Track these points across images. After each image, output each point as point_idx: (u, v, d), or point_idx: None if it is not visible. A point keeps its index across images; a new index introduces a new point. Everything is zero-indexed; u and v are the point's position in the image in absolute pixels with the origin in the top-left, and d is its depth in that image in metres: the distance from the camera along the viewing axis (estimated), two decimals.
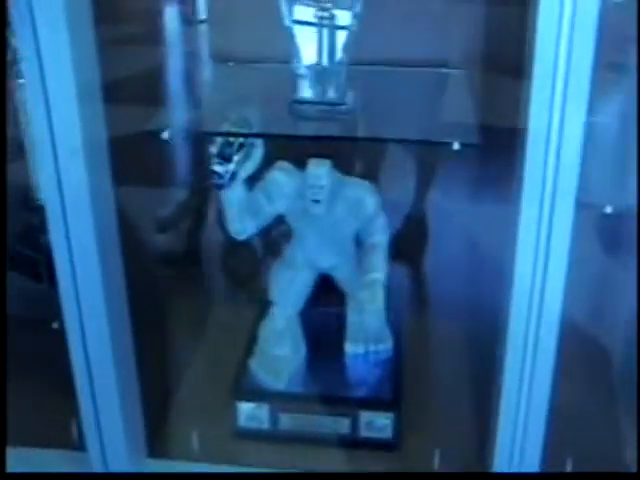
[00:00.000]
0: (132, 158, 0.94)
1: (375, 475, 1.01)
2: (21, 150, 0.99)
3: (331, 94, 0.94)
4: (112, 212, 0.89)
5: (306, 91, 0.94)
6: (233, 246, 1.33)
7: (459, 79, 1.04)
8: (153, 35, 1.15)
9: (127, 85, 0.98)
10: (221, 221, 1.30)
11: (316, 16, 0.91)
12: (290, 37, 0.92)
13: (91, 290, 0.88)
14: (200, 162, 1.23)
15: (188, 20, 1.22)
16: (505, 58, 0.97)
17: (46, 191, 0.85)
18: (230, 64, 1.12)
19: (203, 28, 1.23)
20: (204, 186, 1.29)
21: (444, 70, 1.07)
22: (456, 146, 0.85)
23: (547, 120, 0.75)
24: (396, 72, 1.08)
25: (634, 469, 0.96)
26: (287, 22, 0.92)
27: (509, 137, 0.84)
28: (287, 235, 1.12)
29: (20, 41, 0.78)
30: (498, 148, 0.90)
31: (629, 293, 1.07)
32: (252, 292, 1.31)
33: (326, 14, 0.91)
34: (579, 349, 1.01)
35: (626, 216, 1.00)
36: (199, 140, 1.10)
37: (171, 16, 1.20)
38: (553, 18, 0.71)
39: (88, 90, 0.81)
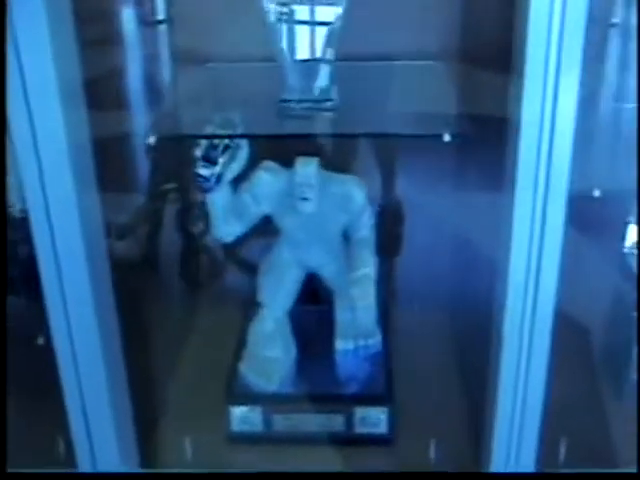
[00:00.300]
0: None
1: (373, 475, 1.01)
2: None
3: (315, 90, 0.93)
4: (99, 217, 0.87)
5: (289, 89, 0.93)
6: (194, 250, 1.31)
7: (442, 71, 1.05)
8: (111, 37, 1.13)
9: (93, 88, 0.95)
10: (181, 225, 1.29)
11: (275, 12, 0.90)
12: (274, 35, 0.91)
13: (80, 300, 0.85)
14: (161, 166, 1.22)
15: (146, 21, 1.20)
16: (490, 49, 0.98)
17: (29, 198, 0.81)
18: (210, 65, 1.11)
19: (162, 29, 1.21)
20: (163, 190, 1.27)
21: (427, 62, 1.08)
22: (447, 138, 0.85)
23: (540, 108, 0.75)
24: (380, 66, 1.08)
25: (633, 468, 0.96)
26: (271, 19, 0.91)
27: (494, 128, 0.85)
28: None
29: None
30: (483, 139, 0.91)
31: (609, 275, 1.10)
32: (234, 295, 1.30)
33: (285, 9, 0.90)
34: (563, 333, 1.02)
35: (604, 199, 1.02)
36: (163, 144, 1.08)
37: (129, 17, 1.18)
38: (544, 7, 0.72)
39: (70, 91, 0.79)
